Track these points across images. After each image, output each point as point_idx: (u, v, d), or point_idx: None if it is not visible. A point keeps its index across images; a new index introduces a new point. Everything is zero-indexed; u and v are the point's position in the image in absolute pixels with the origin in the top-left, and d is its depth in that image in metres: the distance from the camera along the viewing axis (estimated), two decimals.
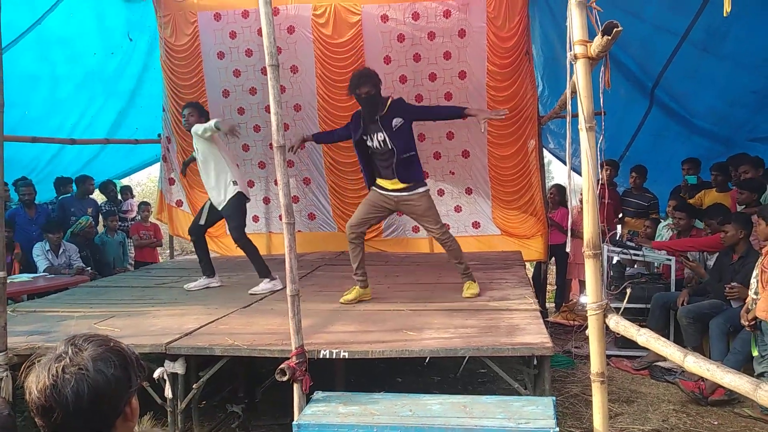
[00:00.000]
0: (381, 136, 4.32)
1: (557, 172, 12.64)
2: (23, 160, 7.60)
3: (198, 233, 5.33)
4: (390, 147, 4.30)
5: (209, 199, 5.20)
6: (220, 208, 5.06)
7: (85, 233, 6.89)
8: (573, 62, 2.59)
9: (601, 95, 2.70)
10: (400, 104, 4.48)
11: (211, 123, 4.76)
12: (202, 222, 5.27)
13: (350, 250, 4.51)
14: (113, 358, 1.27)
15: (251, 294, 4.87)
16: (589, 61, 2.56)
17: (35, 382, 1.23)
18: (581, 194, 2.83)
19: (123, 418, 1.28)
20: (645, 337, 2.44)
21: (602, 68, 2.65)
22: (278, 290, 4.88)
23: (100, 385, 1.23)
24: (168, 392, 3.31)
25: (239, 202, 5.06)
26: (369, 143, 4.40)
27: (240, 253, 7.07)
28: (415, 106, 4.45)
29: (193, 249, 5.63)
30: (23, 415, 3.72)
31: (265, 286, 4.97)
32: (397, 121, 4.31)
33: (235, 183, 5.01)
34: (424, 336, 3.40)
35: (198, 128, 4.81)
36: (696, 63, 5.92)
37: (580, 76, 2.59)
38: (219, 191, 5.01)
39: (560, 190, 7.24)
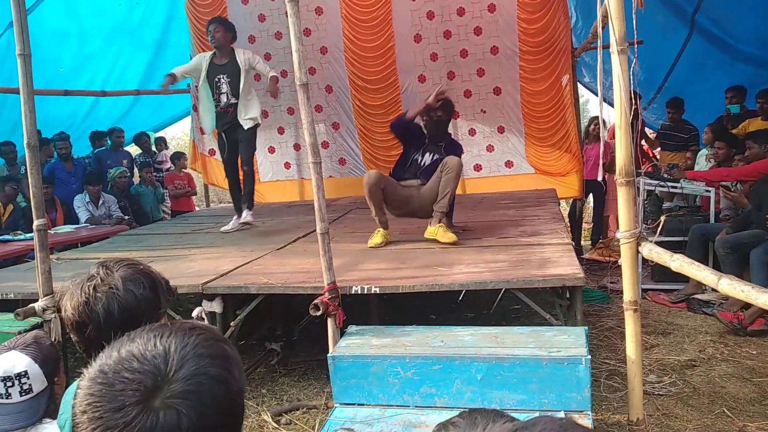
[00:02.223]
0: (431, 157, 4.41)
1: (594, 112, 12.27)
2: (60, 116, 7.75)
3: (233, 167, 5.44)
4: (431, 171, 4.36)
5: (220, 133, 5.35)
6: (246, 126, 5.18)
7: (116, 183, 7.04)
8: None
9: (634, 18, 2.57)
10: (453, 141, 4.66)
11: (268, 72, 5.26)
12: (229, 155, 5.39)
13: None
14: (142, 280, 1.34)
15: (246, 223, 5.33)
16: None
17: (69, 300, 1.30)
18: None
19: None
20: (678, 262, 2.40)
21: None
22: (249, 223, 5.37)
23: (129, 304, 1.30)
24: None
25: (256, 131, 5.36)
26: (415, 155, 4.43)
27: (271, 199, 7.21)
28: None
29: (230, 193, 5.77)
30: (75, 356, 3.92)
31: (248, 216, 5.36)
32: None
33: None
34: (455, 271, 3.41)
35: (262, 66, 5.26)
36: None
37: None
38: (250, 108, 5.21)
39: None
